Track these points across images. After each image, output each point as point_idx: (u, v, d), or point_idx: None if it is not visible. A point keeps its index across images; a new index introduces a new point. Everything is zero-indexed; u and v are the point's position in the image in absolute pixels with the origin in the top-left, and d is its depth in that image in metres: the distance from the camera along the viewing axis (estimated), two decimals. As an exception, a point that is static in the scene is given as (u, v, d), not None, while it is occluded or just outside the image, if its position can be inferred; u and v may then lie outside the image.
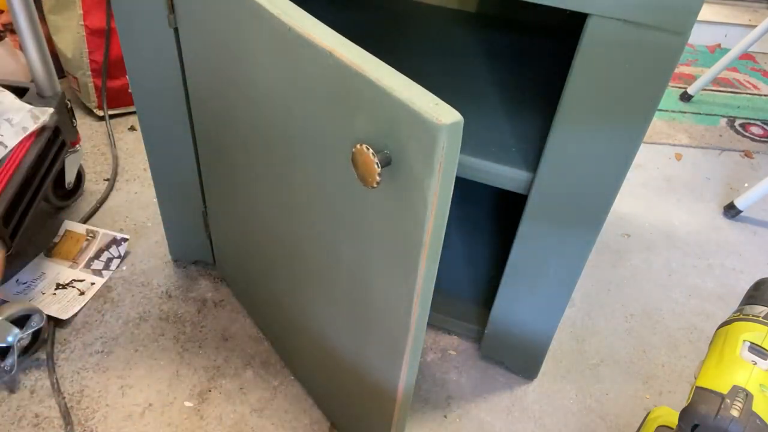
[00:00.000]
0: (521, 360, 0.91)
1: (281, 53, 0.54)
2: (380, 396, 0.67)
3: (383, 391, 0.66)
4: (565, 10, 0.56)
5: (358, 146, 0.46)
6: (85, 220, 1.10)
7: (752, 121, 1.60)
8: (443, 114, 0.41)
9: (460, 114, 0.42)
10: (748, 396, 0.56)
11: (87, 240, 1.05)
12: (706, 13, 1.95)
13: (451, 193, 0.47)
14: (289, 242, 0.71)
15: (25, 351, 0.87)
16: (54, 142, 0.99)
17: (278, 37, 0.53)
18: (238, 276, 0.94)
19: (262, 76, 0.59)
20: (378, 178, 0.46)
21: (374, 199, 0.51)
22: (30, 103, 0.95)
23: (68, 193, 1.12)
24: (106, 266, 1.02)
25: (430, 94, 0.43)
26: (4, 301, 0.89)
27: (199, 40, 0.69)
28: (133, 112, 1.37)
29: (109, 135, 1.30)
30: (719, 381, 0.58)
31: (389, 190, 0.48)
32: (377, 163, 0.45)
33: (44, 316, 0.86)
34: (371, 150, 0.45)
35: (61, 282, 0.98)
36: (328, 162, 0.55)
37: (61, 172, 1.07)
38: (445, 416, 0.86)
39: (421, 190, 0.45)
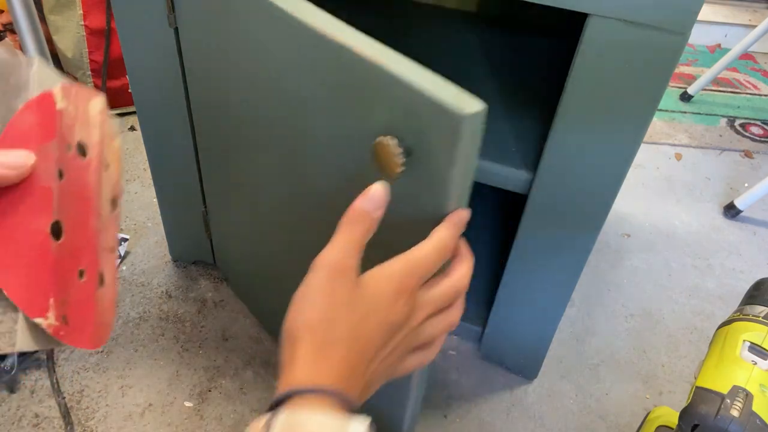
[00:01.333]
0: (521, 360, 0.91)
1: (296, 52, 0.54)
2: (388, 396, 0.67)
3: (390, 391, 0.66)
4: (566, 10, 0.56)
5: (380, 138, 0.47)
6: (85, 220, 1.10)
7: (752, 121, 1.60)
8: (466, 103, 0.43)
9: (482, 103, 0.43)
10: (748, 396, 0.56)
11: (87, 240, 1.05)
12: (706, 13, 1.95)
13: (471, 181, 0.47)
14: (299, 237, 0.71)
15: (25, 351, 0.87)
16: (54, 142, 0.99)
17: (293, 36, 0.53)
18: (241, 275, 0.94)
19: (274, 75, 0.59)
20: (401, 168, 0.46)
21: (395, 190, 0.52)
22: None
23: (68, 193, 1.12)
24: (106, 266, 1.02)
25: (452, 84, 0.44)
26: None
27: (199, 40, 0.69)
28: (133, 112, 1.36)
29: (109, 135, 1.30)
30: (719, 381, 0.58)
31: (410, 181, 0.49)
32: (401, 153, 0.46)
33: (44, 316, 0.86)
34: (395, 140, 0.46)
35: (61, 282, 0.98)
36: (347, 155, 0.55)
37: (61, 172, 1.07)
38: (445, 416, 0.86)
39: (443, 178, 0.46)
